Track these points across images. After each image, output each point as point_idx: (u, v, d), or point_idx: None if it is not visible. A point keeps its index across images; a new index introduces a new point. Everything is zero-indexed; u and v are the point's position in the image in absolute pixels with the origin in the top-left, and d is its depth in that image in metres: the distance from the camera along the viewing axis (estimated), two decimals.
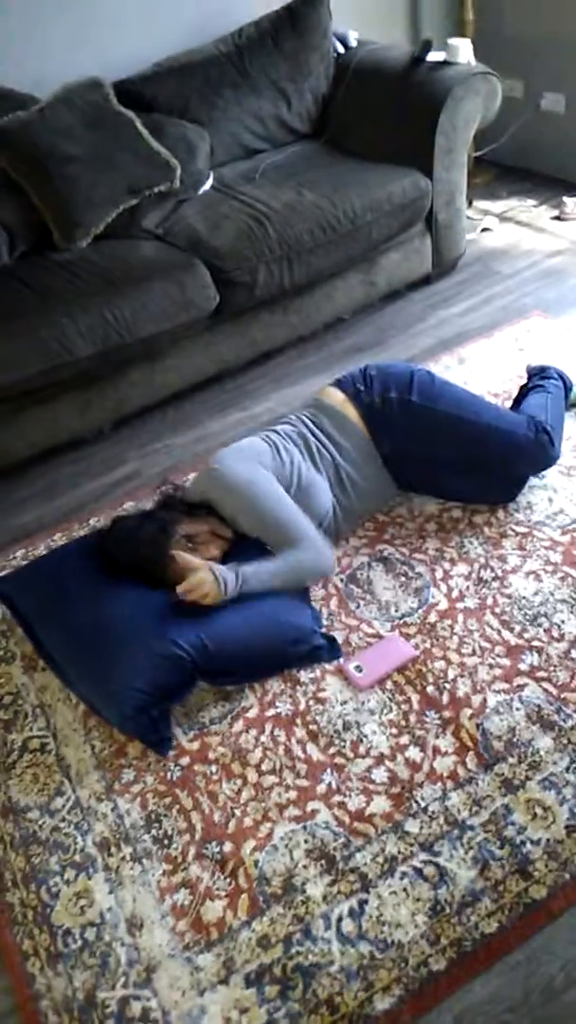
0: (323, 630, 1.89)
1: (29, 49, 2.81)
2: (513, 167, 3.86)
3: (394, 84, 2.89)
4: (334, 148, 3.05)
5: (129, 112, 2.70)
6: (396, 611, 1.94)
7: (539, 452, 2.03)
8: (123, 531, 1.91)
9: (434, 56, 2.85)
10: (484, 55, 3.03)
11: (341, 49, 3.12)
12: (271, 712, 1.76)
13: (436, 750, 1.63)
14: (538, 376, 2.31)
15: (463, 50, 2.82)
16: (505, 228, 3.46)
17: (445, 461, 2.07)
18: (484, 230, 3.45)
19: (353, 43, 3.14)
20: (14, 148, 2.56)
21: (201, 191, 2.84)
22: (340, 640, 1.87)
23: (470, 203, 3.49)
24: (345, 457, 2.02)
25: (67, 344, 2.33)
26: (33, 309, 2.36)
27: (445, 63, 2.83)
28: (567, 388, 2.28)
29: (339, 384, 2.12)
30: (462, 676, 1.76)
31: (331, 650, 1.84)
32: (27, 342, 2.29)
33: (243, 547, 1.91)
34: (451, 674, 1.77)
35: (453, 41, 2.82)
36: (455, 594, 1.94)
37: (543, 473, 2.18)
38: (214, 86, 2.92)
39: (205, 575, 1.74)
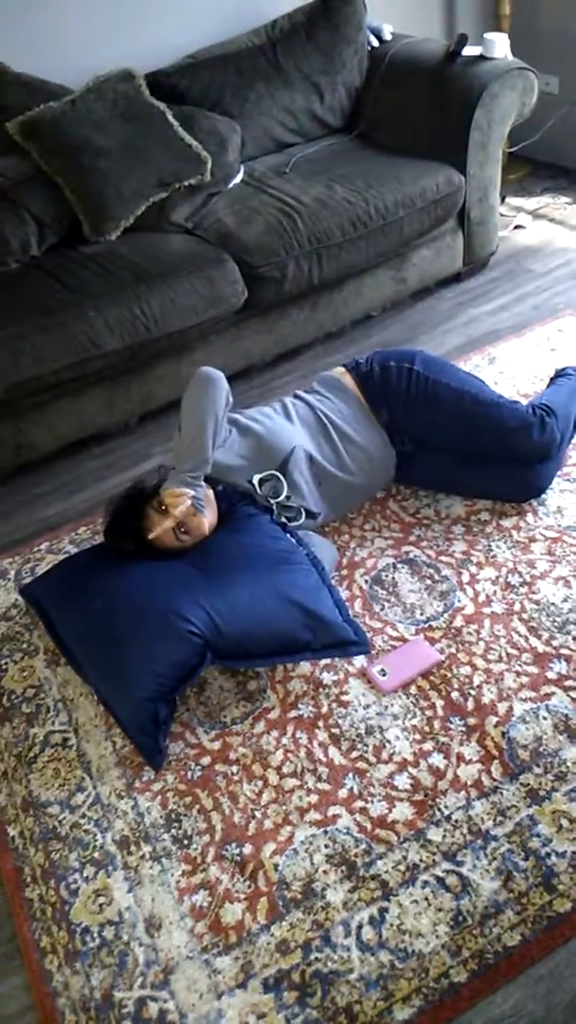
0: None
1: (61, 40, 2.80)
2: (547, 163, 3.80)
3: (429, 78, 2.85)
4: (366, 142, 3.02)
5: (161, 104, 2.68)
6: (421, 614, 1.91)
7: (540, 427, 2.01)
8: (109, 502, 1.96)
9: (470, 50, 2.80)
10: (520, 49, 2.98)
11: (375, 43, 3.08)
12: (293, 714, 1.75)
13: (460, 758, 1.61)
14: (557, 375, 2.32)
15: (500, 45, 2.77)
16: (538, 225, 3.41)
17: (448, 439, 2.07)
18: (517, 227, 3.40)
19: (387, 36, 3.10)
20: (46, 139, 2.55)
21: (231, 185, 2.82)
22: None
23: (503, 199, 3.44)
24: (329, 407, 2.06)
25: (95, 338, 2.32)
26: (62, 302, 2.35)
27: (481, 58, 2.78)
28: None
29: (343, 364, 2.19)
30: (488, 683, 1.73)
31: (360, 645, 1.78)
32: (55, 335, 2.28)
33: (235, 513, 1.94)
34: (476, 680, 1.74)
35: (489, 35, 2.78)
36: (482, 598, 1.92)
37: (571, 473, 2.15)
38: (246, 79, 2.89)
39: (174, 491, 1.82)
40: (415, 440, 2.09)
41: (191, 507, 1.83)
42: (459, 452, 2.10)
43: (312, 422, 2.04)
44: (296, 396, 2.12)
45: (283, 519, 1.93)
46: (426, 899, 1.43)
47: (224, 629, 1.68)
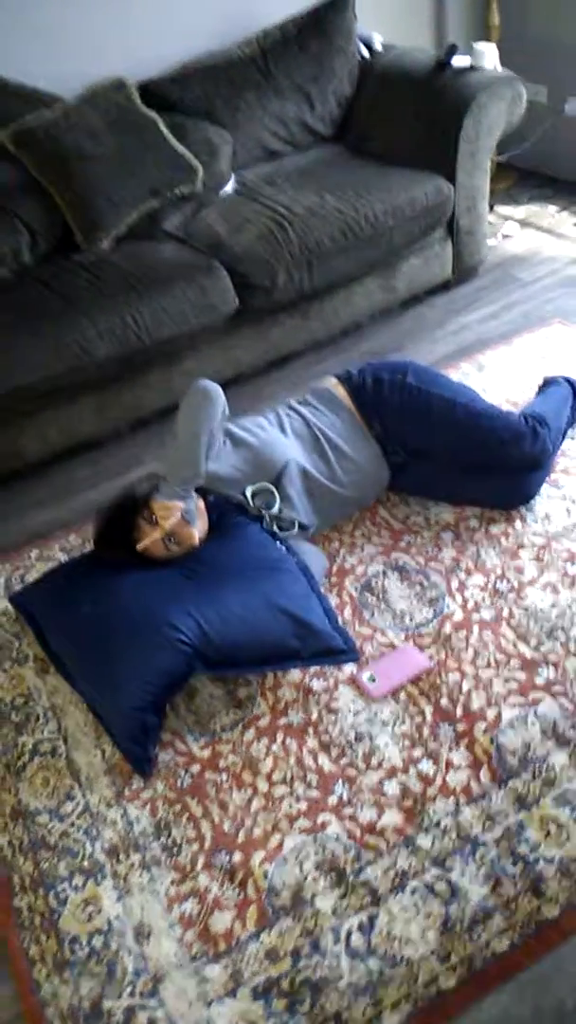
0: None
1: (54, 48, 2.81)
2: (535, 172, 3.83)
3: (418, 88, 2.87)
4: (356, 152, 3.03)
5: (153, 113, 2.70)
6: (411, 620, 1.92)
7: (532, 438, 2.03)
8: (100, 509, 1.97)
9: (459, 61, 2.83)
10: (509, 59, 3.01)
11: (366, 52, 3.11)
12: (283, 721, 1.75)
13: (449, 764, 1.62)
14: (546, 384, 2.36)
15: (488, 55, 2.80)
16: (526, 234, 3.44)
17: (441, 450, 2.08)
18: (505, 236, 3.43)
19: (378, 46, 3.13)
20: (38, 147, 2.56)
21: (223, 193, 2.84)
22: None
23: (491, 208, 3.46)
24: (322, 420, 2.07)
25: (86, 346, 2.33)
26: (54, 310, 2.36)
27: (470, 68, 2.81)
28: (575, 391, 2.28)
29: (335, 375, 2.19)
30: (477, 689, 1.74)
31: (349, 652, 1.79)
32: (47, 343, 2.29)
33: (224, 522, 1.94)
34: (465, 686, 1.75)
35: (479, 46, 2.81)
36: (471, 605, 1.93)
37: (558, 480, 2.17)
38: (238, 88, 2.91)
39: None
40: (407, 450, 2.10)
41: (182, 519, 1.84)
42: (450, 461, 2.10)
43: (306, 435, 2.05)
44: (290, 408, 2.13)
45: (274, 528, 1.94)
46: (415, 905, 1.43)
47: (213, 637, 1.68)
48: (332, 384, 2.15)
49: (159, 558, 1.88)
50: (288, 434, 2.04)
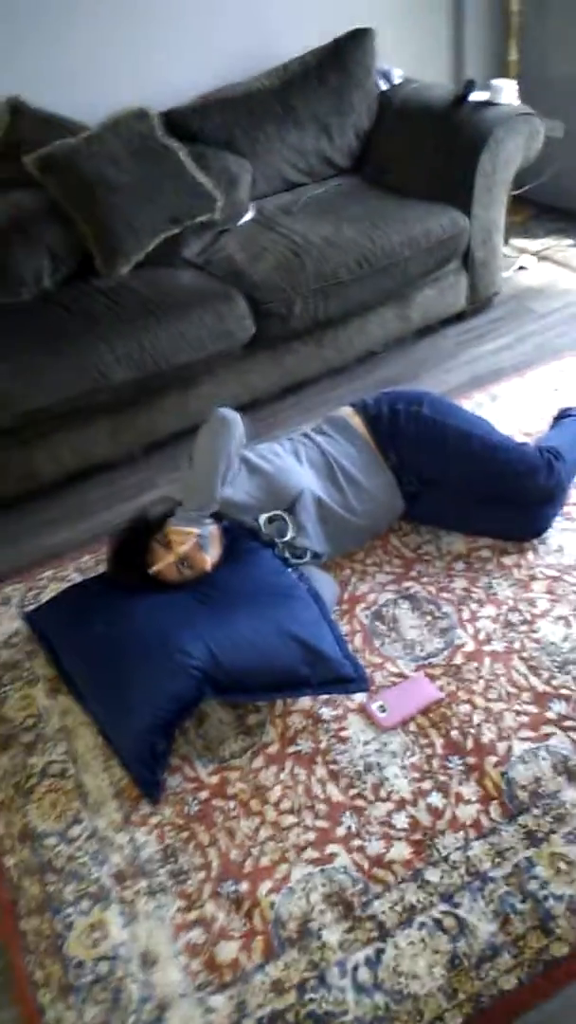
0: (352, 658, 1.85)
1: (79, 77, 2.87)
2: (552, 206, 3.86)
3: (436, 122, 2.92)
4: (374, 183, 3.07)
5: (174, 142, 2.74)
6: (421, 651, 1.92)
7: (547, 472, 2.04)
8: (113, 532, 2.00)
9: (477, 96, 2.87)
10: (527, 95, 3.04)
11: (384, 86, 3.16)
12: (292, 749, 1.75)
13: (459, 797, 1.61)
14: (560, 416, 2.37)
15: (507, 91, 2.84)
16: (541, 267, 3.46)
17: (456, 481, 2.09)
18: (520, 268, 3.45)
19: (397, 80, 3.18)
20: (61, 174, 2.60)
21: (241, 222, 2.87)
22: None
23: (506, 241, 3.49)
24: (338, 450, 2.08)
25: (104, 370, 2.35)
26: (72, 334, 2.39)
27: (488, 103, 2.85)
28: None
29: (351, 404, 2.20)
30: (487, 721, 1.74)
31: (359, 681, 1.79)
32: (65, 366, 2.32)
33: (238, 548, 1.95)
34: (476, 719, 1.74)
35: (497, 82, 2.85)
36: (482, 636, 1.93)
37: (571, 512, 2.17)
38: (258, 119, 2.96)
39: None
40: (422, 480, 2.11)
41: (196, 544, 1.85)
42: (465, 492, 2.11)
43: (320, 464, 2.06)
44: (305, 436, 2.14)
45: (286, 555, 1.95)
46: (423, 940, 1.42)
47: (224, 663, 1.69)
48: (347, 413, 2.17)
49: (171, 582, 1.89)
50: (303, 462, 2.06)
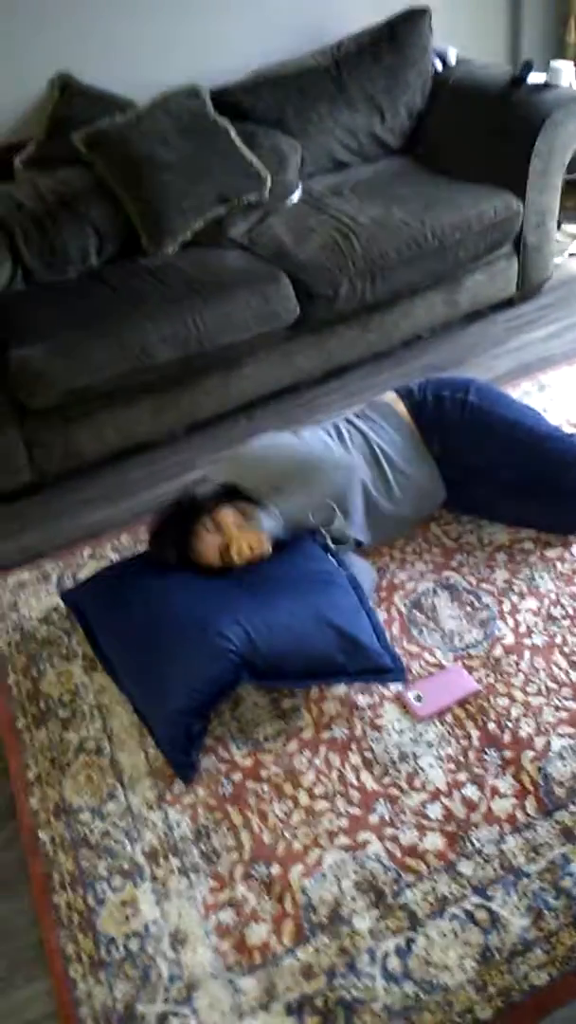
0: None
1: (128, 53, 2.86)
2: None
3: (491, 104, 2.85)
4: (425, 165, 3.01)
5: (224, 120, 2.72)
6: (460, 641, 1.90)
7: None
8: (158, 510, 2.01)
9: (535, 78, 2.80)
10: None
11: (440, 66, 3.09)
12: (326, 735, 1.74)
13: (495, 791, 1.59)
14: None
15: (565, 73, 2.76)
16: None
17: (501, 471, 2.05)
18: (572, 255, 3.37)
19: (452, 61, 3.11)
20: (110, 151, 2.59)
21: (289, 202, 2.84)
22: None
23: (559, 226, 3.41)
24: (382, 437, 2.06)
25: (149, 349, 2.35)
26: (118, 313, 2.39)
27: (545, 85, 2.78)
28: None
29: (395, 389, 2.17)
30: (526, 716, 1.71)
31: (396, 672, 1.77)
32: (110, 345, 2.32)
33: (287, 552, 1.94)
34: (514, 713, 1.72)
35: (556, 63, 2.78)
36: (523, 629, 1.90)
37: None
38: (310, 98, 2.92)
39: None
40: (466, 469, 2.08)
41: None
42: (509, 482, 2.07)
43: (366, 451, 2.04)
44: (349, 422, 2.11)
45: (328, 542, 1.93)
46: (454, 932, 1.41)
47: (261, 648, 1.68)
48: (392, 399, 2.14)
49: (208, 565, 1.88)
50: (350, 449, 2.03)
